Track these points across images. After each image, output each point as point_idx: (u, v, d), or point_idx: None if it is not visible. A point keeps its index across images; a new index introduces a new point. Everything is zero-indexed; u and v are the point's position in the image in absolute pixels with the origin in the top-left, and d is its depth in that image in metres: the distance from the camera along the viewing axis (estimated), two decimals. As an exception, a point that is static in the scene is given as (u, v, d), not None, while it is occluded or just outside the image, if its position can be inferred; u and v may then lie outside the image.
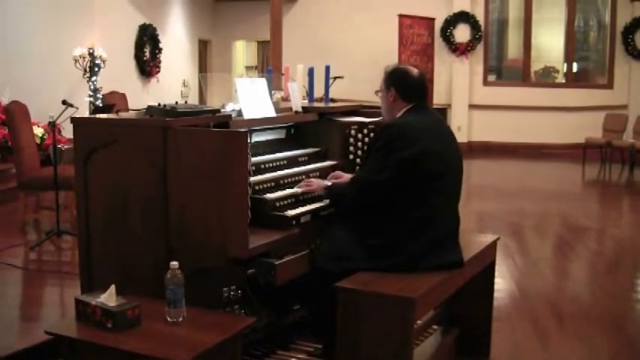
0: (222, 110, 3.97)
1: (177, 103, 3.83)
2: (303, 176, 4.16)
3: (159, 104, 3.68)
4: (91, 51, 11.57)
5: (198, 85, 14.67)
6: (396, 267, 3.55)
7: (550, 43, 16.84)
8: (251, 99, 4.12)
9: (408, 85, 3.86)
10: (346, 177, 4.07)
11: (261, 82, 4.29)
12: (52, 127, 7.04)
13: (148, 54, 14.43)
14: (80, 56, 11.48)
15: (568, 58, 16.20)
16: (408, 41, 14.63)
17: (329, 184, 4.01)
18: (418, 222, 3.59)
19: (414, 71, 3.92)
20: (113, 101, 10.10)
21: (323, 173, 4.26)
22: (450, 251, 3.70)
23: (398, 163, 3.57)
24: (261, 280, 3.88)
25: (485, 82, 16.26)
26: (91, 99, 11.44)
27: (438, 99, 15.42)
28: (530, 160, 14.71)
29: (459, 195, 3.88)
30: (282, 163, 4.24)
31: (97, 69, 11.63)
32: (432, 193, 3.63)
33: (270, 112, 4.21)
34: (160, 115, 3.57)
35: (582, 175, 12.92)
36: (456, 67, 15.98)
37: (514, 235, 7.88)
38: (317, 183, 4.03)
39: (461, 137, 14.92)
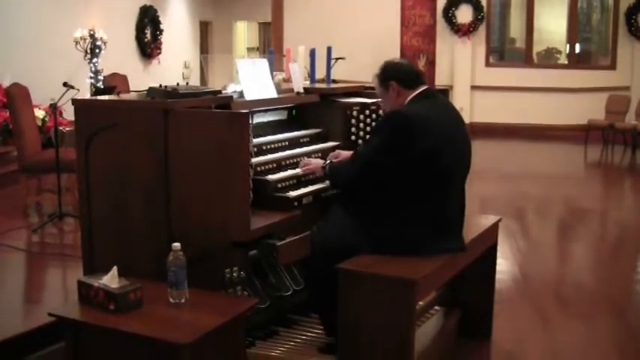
0: (223, 91, 3.96)
1: (178, 84, 3.83)
2: (305, 157, 4.14)
3: (160, 86, 3.67)
4: (91, 33, 11.54)
5: (200, 66, 14.66)
6: (396, 254, 3.53)
7: (552, 24, 16.76)
8: (252, 80, 4.10)
9: (404, 72, 3.79)
10: (345, 154, 4.04)
11: (263, 63, 4.28)
12: (54, 109, 7.02)
13: (149, 35, 14.39)
14: (81, 38, 11.44)
15: (570, 40, 16.12)
16: (409, 22, 14.56)
17: (327, 162, 3.98)
18: (422, 211, 3.55)
19: (403, 59, 3.91)
20: (114, 83, 10.08)
21: (325, 154, 4.25)
22: (453, 240, 3.69)
23: (405, 154, 3.49)
24: (263, 261, 3.89)
25: (488, 64, 16.19)
26: (92, 81, 11.43)
27: (439, 80, 15.36)
28: (532, 142, 14.67)
29: (464, 183, 3.84)
30: (283, 144, 4.23)
31: (97, 51, 11.61)
32: (438, 184, 3.58)
33: (272, 94, 4.20)
34: (161, 97, 3.56)
35: (584, 157, 12.90)
36: (458, 49, 15.90)
37: (516, 217, 7.88)
38: (315, 163, 4.01)
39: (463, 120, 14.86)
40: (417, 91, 3.73)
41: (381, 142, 3.59)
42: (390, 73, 3.78)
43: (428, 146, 3.50)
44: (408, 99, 3.72)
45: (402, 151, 3.50)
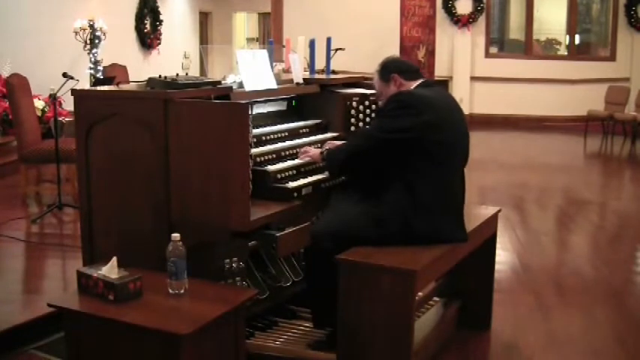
0: (223, 82, 3.96)
1: (178, 75, 3.82)
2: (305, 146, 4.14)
3: (159, 76, 3.67)
4: (91, 23, 11.52)
5: (199, 57, 14.63)
6: (397, 239, 3.54)
7: (552, 15, 16.75)
8: (252, 71, 4.09)
9: (405, 65, 3.93)
10: (337, 144, 4.05)
11: (262, 54, 4.27)
12: (53, 99, 7.01)
13: (148, 26, 14.37)
14: (81, 28, 11.43)
15: (570, 31, 16.12)
16: (409, 13, 14.53)
17: (325, 148, 3.99)
18: (424, 195, 3.55)
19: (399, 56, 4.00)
20: (114, 74, 10.06)
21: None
22: (454, 228, 3.69)
23: (408, 126, 3.51)
24: (262, 252, 3.90)
25: (487, 54, 16.18)
26: (92, 71, 11.41)
27: (439, 71, 15.35)
28: (532, 133, 14.67)
29: (463, 169, 3.85)
30: (283, 134, 4.23)
31: (97, 41, 11.59)
32: (439, 164, 3.58)
33: (272, 84, 4.19)
34: (161, 87, 3.56)
35: (584, 148, 12.89)
36: (458, 39, 15.89)
37: (515, 207, 7.88)
38: (314, 151, 4.03)
39: (462, 109, 14.86)
40: (418, 82, 3.82)
41: (384, 119, 3.67)
42: (391, 67, 3.87)
43: (431, 120, 3.54)
44: (410, 88, 3.79)
45: (407, 124, 3.52)
